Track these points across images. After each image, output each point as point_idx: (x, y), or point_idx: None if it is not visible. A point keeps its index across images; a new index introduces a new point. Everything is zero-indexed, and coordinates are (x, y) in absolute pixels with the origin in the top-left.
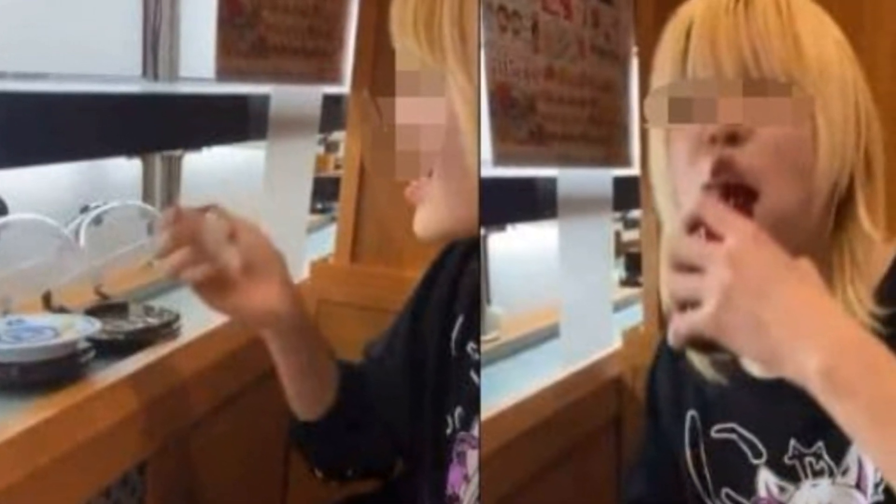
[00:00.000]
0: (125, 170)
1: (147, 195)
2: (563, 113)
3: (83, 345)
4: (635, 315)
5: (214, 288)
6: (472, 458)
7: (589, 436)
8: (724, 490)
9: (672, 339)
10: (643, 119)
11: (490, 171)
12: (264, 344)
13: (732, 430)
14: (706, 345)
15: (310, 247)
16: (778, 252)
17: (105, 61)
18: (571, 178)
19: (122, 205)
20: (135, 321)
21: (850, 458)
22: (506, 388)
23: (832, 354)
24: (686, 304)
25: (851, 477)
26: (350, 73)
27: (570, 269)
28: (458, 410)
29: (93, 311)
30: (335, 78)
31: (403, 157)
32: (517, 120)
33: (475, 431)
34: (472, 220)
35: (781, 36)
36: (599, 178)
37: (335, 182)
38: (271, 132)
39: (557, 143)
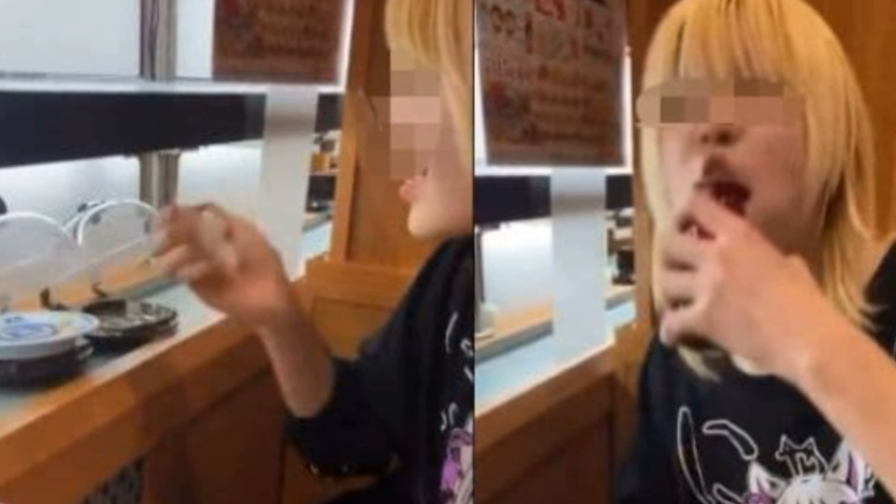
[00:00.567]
0: (123, 168)
1: (144, 194)
2: (556, 112)
3: (81, 342)
4: (628, 312)
5: (211, 285)
6: (467, 454)
7: (582, 432)
8: (716, 486)
9: (664, 337)
10: (636, 118)
11: (484, 169)
12: (260, 341)
13: (724, 427)
14: (698, 342)
15: (305, 245)
16: (769, 250)
17: (102, 61)
18: (565, 177)
19: (120, 203)
20: (132, 318)
21: (841, 454)
22: (500, 384)
23: (823, 351)
24: (678, 302)
25: (842, 473)
26: (345, 72)
27: (564, 266)
28: (453, 407)
29: (90, 309)
30: (331, 77)
31: (398, 155)
32: (511, 119)
33: (469, 428)
34: (466, 219)
35: (772, 36)
36: (592, 177)
37: (331, 181)
38: (267, 131)
39: (551, 142)
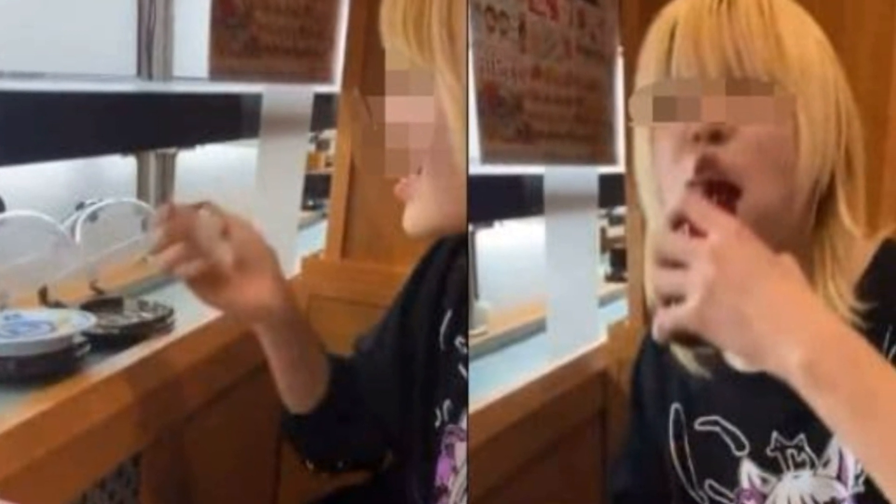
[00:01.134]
0: (120, 167)
1: (142, 192)
2: (549, 111)
3: (79, 339)
4: (620, 310)
5: (208, 283)
6: (461, 450)
7: (575, 428)
8: (708, 481)
9: (656, 334)
10: (628, 117)
11: (478, 168)
12: (256, 338)
13: (716, 423)
14: (690, 339)
15: (301, 243)
16: (760, 248)
17: (100, 61)
18: (558, 176)
19: (117, 202)
20: (129, 316)
21: (832, 451)
22: (493, 381)
23: (813, 349)
24: (670, 299)
25: (832, 469)
26: (341, 72)
27: (557, 264)
28: (447, 403)
29: (88, 306)
30: (326, 77)
31: (393, 154)
32: (504, 118)
33: (463, 424)
34: (460, 217)
35: (764, 36)
36: (585, 176)
37: (326, 179)
38: (263, 130)
39: (544, 141)
